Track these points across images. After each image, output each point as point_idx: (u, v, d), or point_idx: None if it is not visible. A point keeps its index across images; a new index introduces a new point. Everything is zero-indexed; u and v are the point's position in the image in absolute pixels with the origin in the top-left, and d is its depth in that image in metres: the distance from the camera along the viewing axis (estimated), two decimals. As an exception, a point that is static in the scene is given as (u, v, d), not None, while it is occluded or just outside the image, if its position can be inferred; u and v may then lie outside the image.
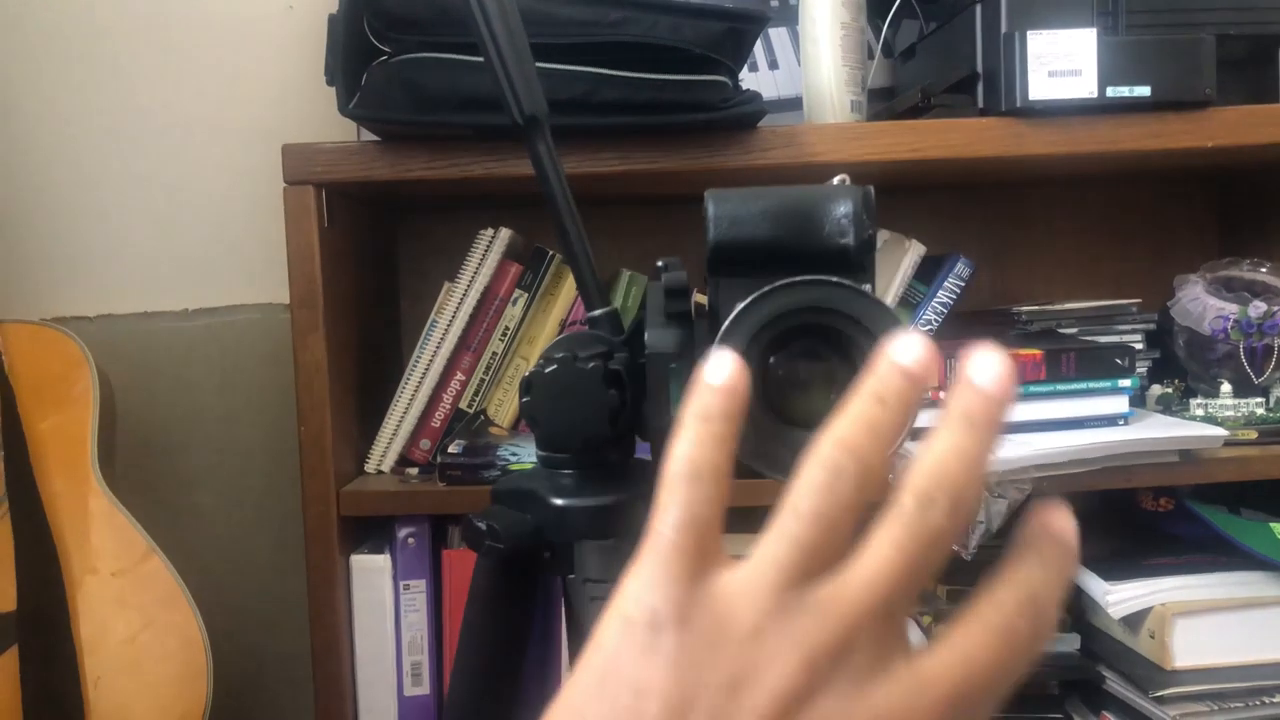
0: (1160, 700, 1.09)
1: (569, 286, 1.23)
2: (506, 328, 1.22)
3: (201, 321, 1.40)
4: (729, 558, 0.32)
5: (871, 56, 1.28)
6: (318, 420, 1.08)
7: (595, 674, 0.31)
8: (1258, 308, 1.19)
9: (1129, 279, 1.41)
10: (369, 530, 1.20)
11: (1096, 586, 1.13)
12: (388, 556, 1.15)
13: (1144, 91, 1.07)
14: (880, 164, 1.10)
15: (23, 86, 1.38)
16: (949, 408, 0.31)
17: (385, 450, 1.20)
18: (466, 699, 0.61)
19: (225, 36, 1.38)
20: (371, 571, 1.15)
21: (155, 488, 1.39)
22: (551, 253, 1.24)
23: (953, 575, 1.19)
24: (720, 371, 0.33)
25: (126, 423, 1.27)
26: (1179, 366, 1.28)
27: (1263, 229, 1.37)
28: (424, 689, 1.17)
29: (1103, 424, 1.13)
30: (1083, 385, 1.13)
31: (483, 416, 1.23)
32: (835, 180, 0.53)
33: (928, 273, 1.24)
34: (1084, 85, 1.06)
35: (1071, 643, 1.16)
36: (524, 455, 1.12)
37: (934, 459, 0.31)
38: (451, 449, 1.14)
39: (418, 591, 1.16)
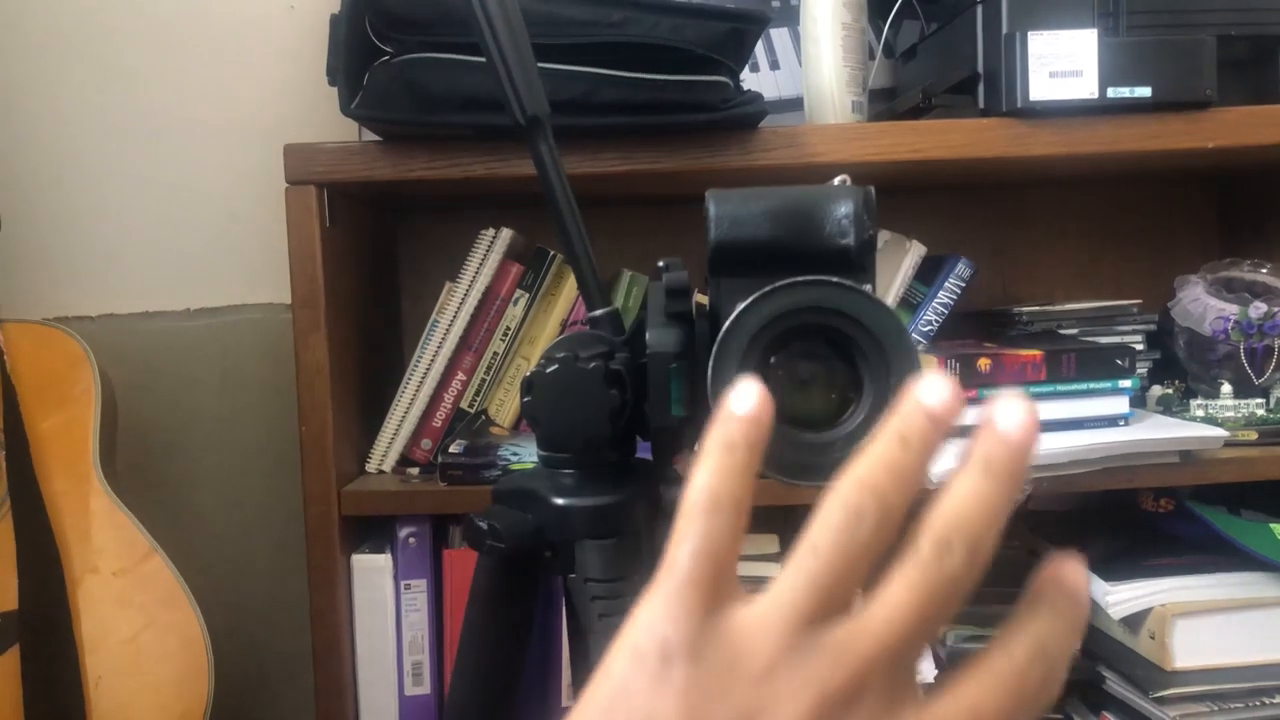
0: (1160, 701, 1.09)
1: (570, 286, 1.23)
2: (508, 328, 1.22)
3: (203, 321, 1.41)
4: (744, 591, 0.32)
5: (872, 57, 1.28)
6: (319, 420, 1.09)
7: (602, 703, 0.31)
8: (1258, 308, 1.19)
9: (1129, 280, 1.41)
10: (370, 530, 1.20)
11: (1097, 587, 1.13)
12: (389, 556, 1.16)
13: (1145, 92, 1.07)
14: (881, 164, 1.10)
15: (25, 86, 1.38)
16: (972, 453, 0.31)
17: (386, 450, 1.20)
18: (467, 698, 0.61)
19: (227, 36, 1.39)
20: (372, 571, 1.15)
21: (156, 487, 1.39)
22: (553, 253, 1.24)
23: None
24: (746, 400, 0.33)
25: (128, 422, 1.27)
26: (1179, 367, 1.28)
27: (1263, 230, 1.37)
28: (425, 689, 1.17)
29: (1103, 425, 1.13)
30: (1083, 386, 1.13)
31: (484, 416, 1.23)
32: (836, 181, 0.53)
33: (928, 273, 1.24)
34: (1085, 86, 1.06)
35: (1071, 643, 1.15)
36: (525, 455, 1.12)
37: (954, 505, 0.30)
38: (453, 449, 1.15)
39: (419, 591, 1.17)
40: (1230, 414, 1.18)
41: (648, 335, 0.52)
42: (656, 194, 1.32)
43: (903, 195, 1.39)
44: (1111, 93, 1.06)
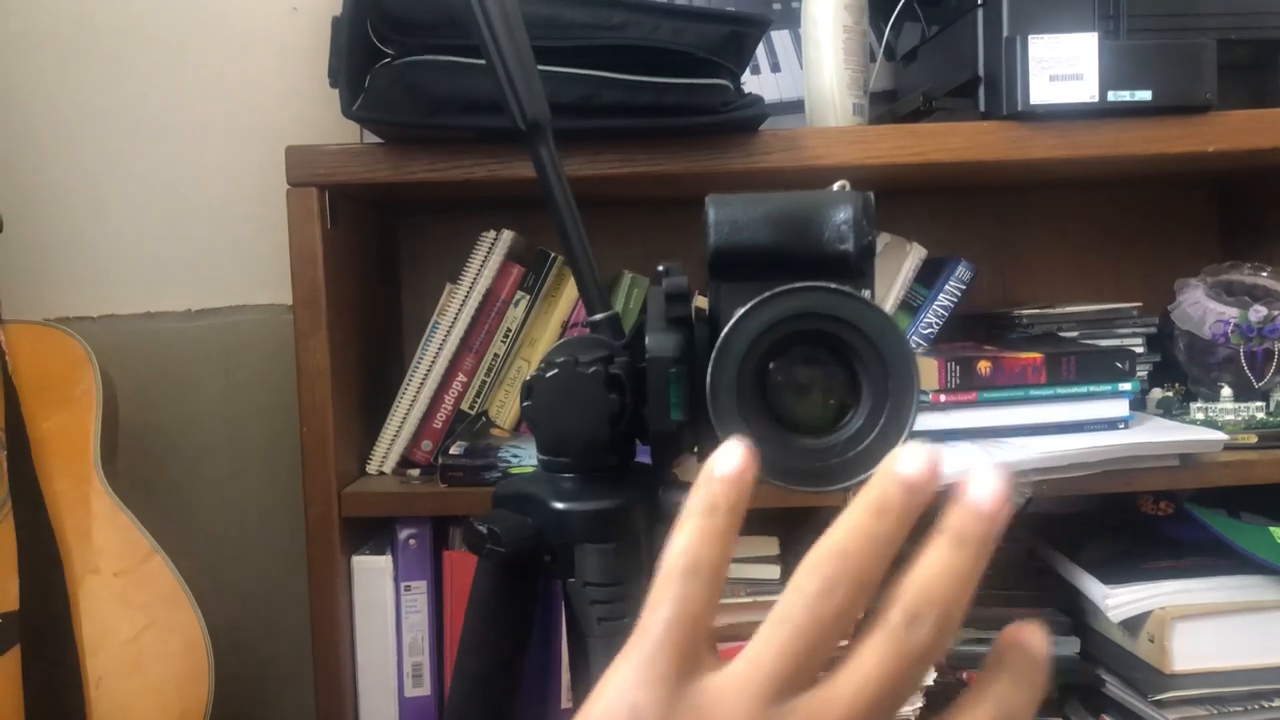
0: (1160, 704, 1.09)
1: (571, 288, 1.23)
2: (508, 329, 1.22)
3: (204, 322, 1.41)
4: (717, 658, 0.32)
5: (873, 59, 1.28)
6: (319, 421, 1.09)
7: None
8: (1258, 312, 1.19)
9: (1130, 283, 1.42)
10: (370, 531, 1.20)
11: (1096, 590, 1.14)
12: (389, 557, 1.16)
13: (1145, 96, 1.07)
14: (882, 167, 1.10)
15: (27, 87, 1.38)
16: (944, 525, 0.32)
17: (387, 451, 1.21)
18: (467, 701, 0.61)
19: (229, 38, 1.39)
20: (373, 572, 1.15)
21: (157, 488, 1.39)
22: (553, 255, 1.24)
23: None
24: (728, 462, 0.33)
25: (129, 423, 1.27)
26: (1179, 370, 1.28)
27: (1263, 233, 1.37)
28: (424, 690, 1.17)
29: (1103, 428, 1.13)
30: (1083, 389, 1.13)
31: (484, 418, 1.23)
32: (835, 186, 0.53)
33: (929, 276, 1.25)
34: (1085, 89, 1.06)
35: (1071, 646, 1.16)
36: (525, 457, 1.12)
37: (926, 577, 0.31)
38: (453, 450, 1.15)
39: (419, 592, 1.17)
40: (1230, 417, 1.19)
41: (647, 340, 0.52)
42: (657, 196, 1.32)
43: (903, 198, 1.39)
44: (1112, 96, 1.07)
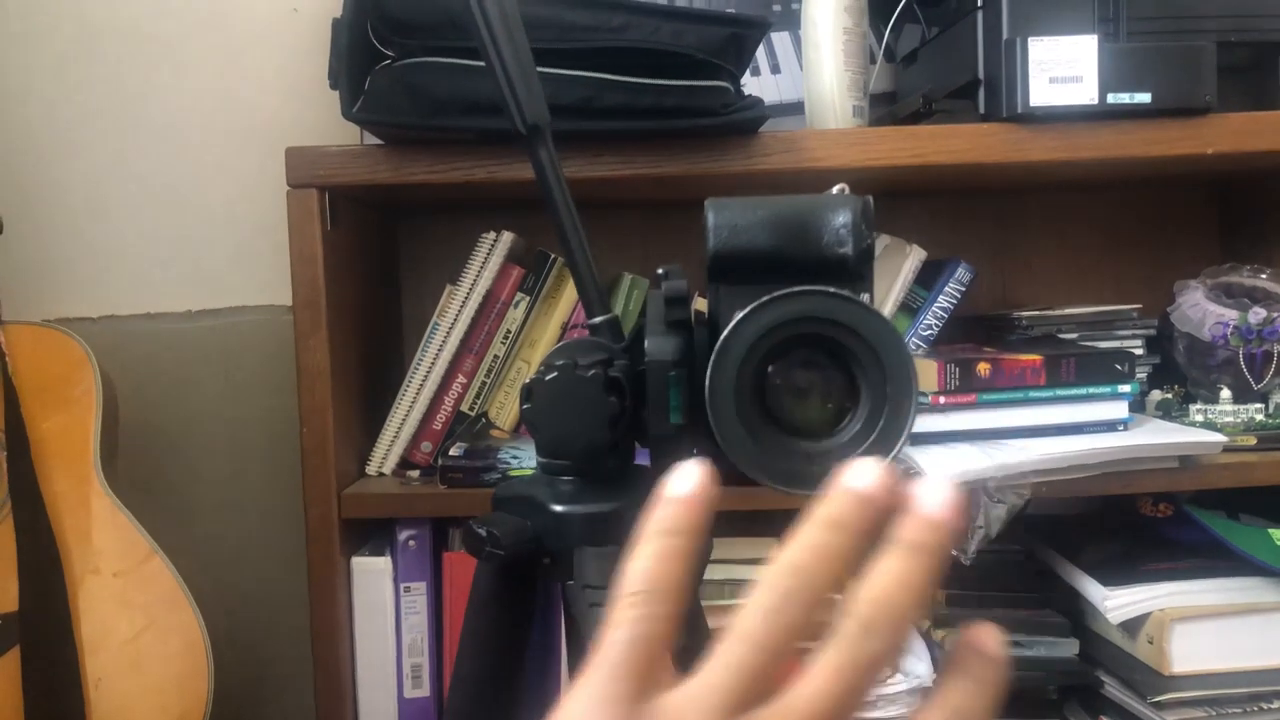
0: (1158, 706, 1.09)
1: (570, 290, 1.23)
2: (508, 331, 1.22)
3: (204, 323, 1.41)
4: (675, 677, 0.32)
5: (873, 61, 1.28)
6: (319, 422, 1.09)
7: None
8: (1257, 314, 1.19)
9: (1129, 284, 1.42)
10: (370, 532, 1.20)
11: (1095, 591, 1.14)
12: (388, 558, 1.16)
13: (1145, 98, 1.07)
14: (881, 169, 1.10)
15: (28, 87, 1.39)
16: (897, 535, 0.32)
17: (387, 452, 1.21)
18: (466, 703, 0.61)
19: (229, 39, 1.39)
20: (372, 573, 1.15)
21: (157, 488, 1.39)
22: (553, 256, 1.24)
23: (952, 581, 1.19)
24: (685, 483, 0.33)
25: (129, 424, 1.27)
26: (1179, 372, 1.28)
27: (1263, 235, 1.37)
28: (424, 691, 1.17)
29: (1102, 429, 1.13)
30: (1082, 390, 1.13)
31: (484, 419, 1.23)
32: (834, 189, 0.53)
33: (928, 277, 1.25)
34: (1085, 92, 1.06)
35: (1070, 647, 1.16)
36: (525, 458, 1.12)
37: (880, 586, 0.31)
38: (453, 452, 1.15)
39: (418, 594, 1.17)
40: (1229, 419, 1.19)
41: (646, 343, 0.53)
42: (657, 198, 1.32)
43: (903, 200, 1.39)
44: (1111, 99, 1.07)
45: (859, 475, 0.33)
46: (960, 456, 1.07)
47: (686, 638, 0.33)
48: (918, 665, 1.13)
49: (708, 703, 0.31)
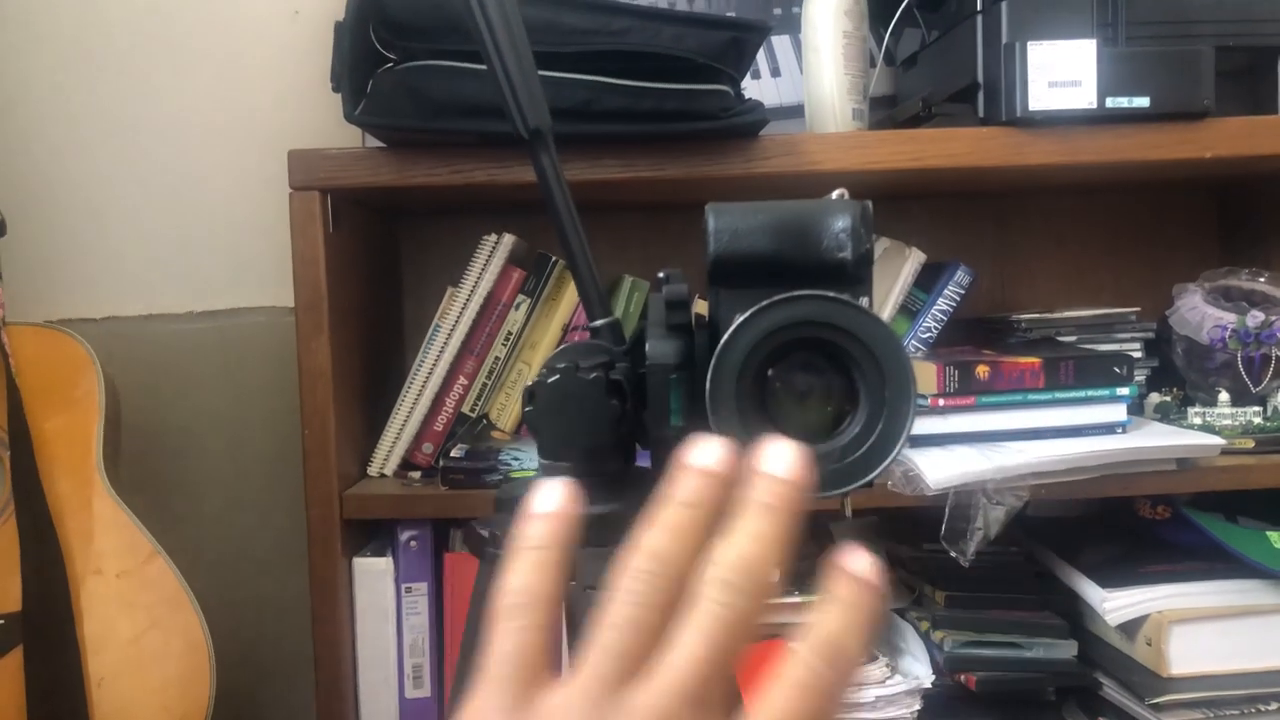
0: (1156, 707, 1.09)
1: (571, 292, 1.24)
2: (509, 333, 1.23)
3: (206, 324, 1.41)
4: (557, 676, 0.34)
5: (873, 65, 1.29)
6: (321, 423, 1.09)
7: None
8: (1255, 317, 1.20)
9: (1128, 288, 1.42)
10: (371, 533, 1.21)
11: (1094, 593, 1.14)
12: (390, 559, 1.16)
13: (1143, 102, 1.07)
14: (881, 172, 1.10)
15: (31, 90, 1.39)
16: (745, 498, 0.34)
17: (388, 454, 1.21)
18: (468, 703, 0.62)
19: (232, 42, 1.39)
20: (374, 574, 1.16)
21: (159, 489, 1.39)
22: (554, 258, 1.24)
23: (951, 582, 1.20)
24: (548, 500, 0.36)
25: (131, 424, 1.28)
26: (1177, 375, 1.28)
27: (1261, 239, 1.37)
28: (425, 691, 1.17)
29: (1101, 432, 1.13)
30: (1081, 393, 1.13)
31: (485, 421, 1.24)
32: (834, 194, 0.54)
33: (928, 280, 1.25)
34: (1083, 96, 1.07)
35: (1068, 649, 1.16)
36: (526, 459, 1.13)
37: (732, 547, 0.33)
38: (454, 453, 1.15)
39: (419, 594, 1.17)
40: (1227, 422, 1.19)
41: (648, 346, 0.53)
42: (657, 200, 1.33)
43: (903, 203, 1.40)
44: (1110, 103, 1.07)
45: (702, 453, 0.34)
46: (959, 459, 1.07)
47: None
48: (916, 666, 1.13)
49: (584, 692, 0.32)
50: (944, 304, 1.24)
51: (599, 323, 0.63)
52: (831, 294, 0.46)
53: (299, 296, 1.09)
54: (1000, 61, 1.09)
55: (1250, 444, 1.16)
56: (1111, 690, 1.15)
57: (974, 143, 1.10)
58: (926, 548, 1.25)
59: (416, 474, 1.21)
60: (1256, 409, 1.20)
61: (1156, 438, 1.13)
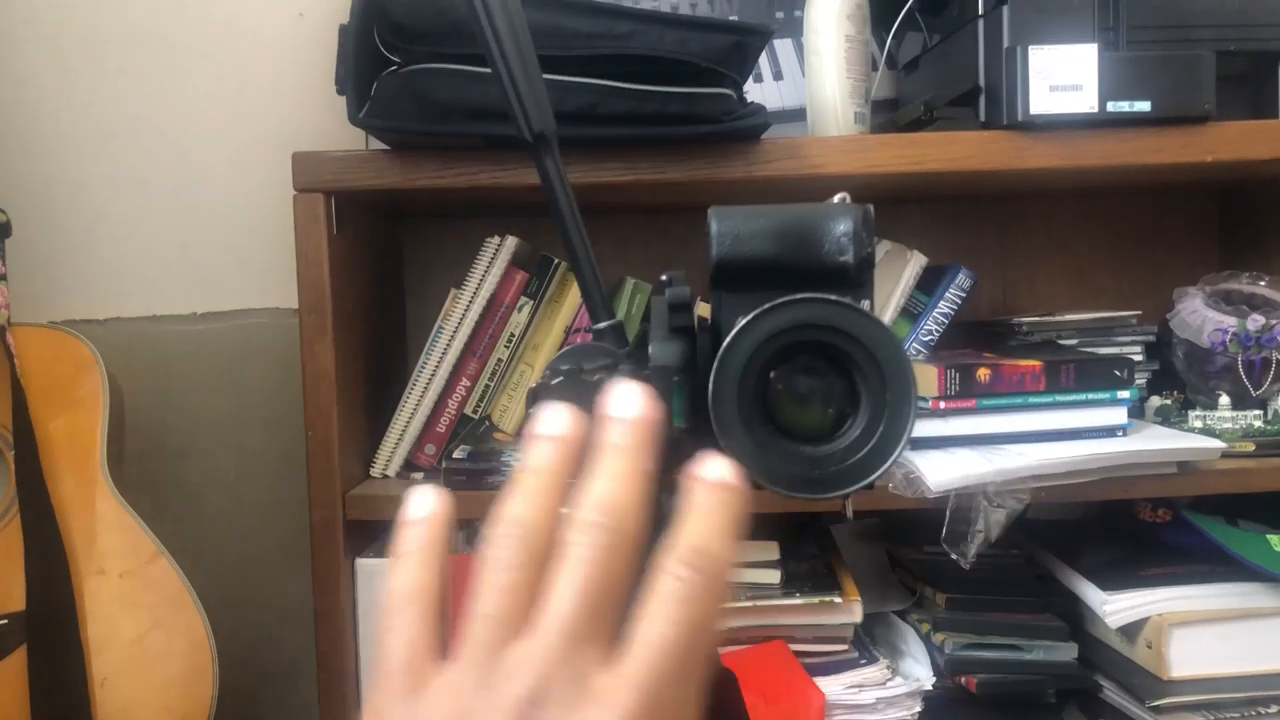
0: (1157, 710, 1.10)
1: (573, 294, 1.24)
2: (512, 334, 1.23)
3: (210, 325, 1.42)
4: (445, 657, 0.35)
5: (875, 69, 1.29)
6: (324, 424, 1.10)
7: None
8: (1256, 321, 1.20)
9: (1129, 291, 1.42)
10: (374, 534, 1.21)
11: (1094, 596, 1.14)
12: (392, 560, 1.16)
13: (1144, 106, 1.08)
14: (883, 176, 1.11)
15: (35, 92, 1.40)
16: (598, 444, 0.35)
17: (391, 455, 1.22)
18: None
19: (236, 44, 1.40)
20: (377, 575, 1.16)
21: (163, 489, 1.40)
22: (556, 261, 1.25)
23: (951, 584, 1.20)
24: (421, 507, 0.37)
25: (135, 425, 1.28)
26: (1178, 378, 1.29)
27: (1262, 243, 1.38)
28: (427, 691, 1.17)
29: (1101, 435, 1.14)
30: (1082, 396, 1.14)
31: (488, 422, 1.24)
32: (835, 198, 0.54)
33: (929, 283, 1.25)
34: (1085, 100, 1.07)
35: (1069, 652, 1.16)
36: (528, 461, 1.13)
37: (590, 491, 0.34)
38: (456, 454, 1.16)
39: (422, 595, 1.17)
40: (1228, 425, 1.19)
41: (650, 349, 0.53)
42: (660, 203, 1.33)
43: (904, 206, 1.40)
44: (1111, 107, 1.07)
45: (548, 421, 0.36)
46: (960, 461, 1.07)
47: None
48: (917, 668, 1.14)
49: (471, 658, 0.33)
50: (945, 307, 1.24)
51: (602, 325, 0.63)
52: (833, 297, 0.47)
53: (303, 298, 1.09)
54: (1002, 65, 1.09)
55: (1250, 447, 1.16)
56: (1112, 693, 1.15)
57: (975, 146, 1.10)
58: (927, 550, 1.25)
59: (419, 475, 1.21)
60: (1257, 412, 1.20)
61: (1157, 441, 1.13)
